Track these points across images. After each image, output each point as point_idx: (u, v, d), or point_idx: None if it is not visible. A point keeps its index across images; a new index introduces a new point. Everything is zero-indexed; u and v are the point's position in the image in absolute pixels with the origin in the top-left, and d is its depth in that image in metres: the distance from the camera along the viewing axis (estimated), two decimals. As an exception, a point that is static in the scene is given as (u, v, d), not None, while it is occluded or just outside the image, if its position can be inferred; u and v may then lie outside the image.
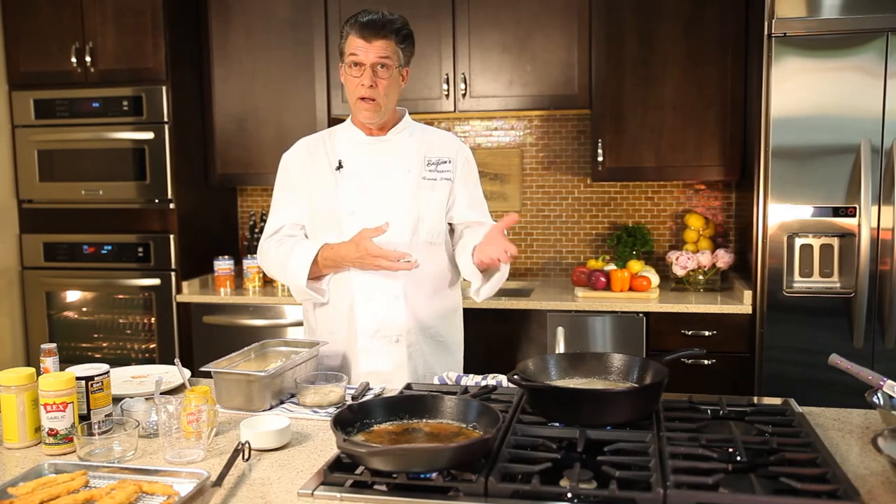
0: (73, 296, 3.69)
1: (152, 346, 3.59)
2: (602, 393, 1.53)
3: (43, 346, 1.75)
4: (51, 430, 1.48)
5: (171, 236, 3.54)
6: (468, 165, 2.16)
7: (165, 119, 3.48)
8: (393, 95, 2.02)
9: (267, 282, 3.64)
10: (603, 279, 3.27)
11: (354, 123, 2.10)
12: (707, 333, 3.05)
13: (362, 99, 1.98)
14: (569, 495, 1.18)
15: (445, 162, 2.11)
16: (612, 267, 3.34)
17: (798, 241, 2.82)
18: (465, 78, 3.44)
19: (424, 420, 1.45)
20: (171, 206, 3.52)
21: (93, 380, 1.61)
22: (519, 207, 3.80)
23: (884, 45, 2.68)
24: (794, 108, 2.76)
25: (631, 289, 3.26)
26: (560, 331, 3.12)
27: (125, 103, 3.50)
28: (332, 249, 2.00)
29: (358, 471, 1.28)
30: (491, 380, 1.83)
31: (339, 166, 2.08)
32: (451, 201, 2.12)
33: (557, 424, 1.46)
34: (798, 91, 2.75)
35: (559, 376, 1.66)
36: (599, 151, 3.35)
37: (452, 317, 2.19)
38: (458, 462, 1.24)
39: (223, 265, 3.60)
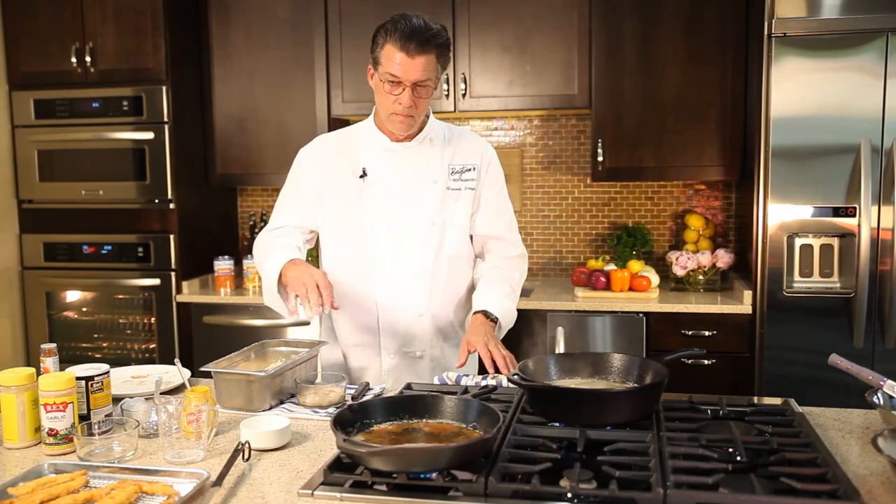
0: (73, 296, 3.69)
1: (152, 346, 3.59)
2: (602, 393, 1.53)
3: (43, 346, 1.75)
4: (51, 430, 1.48)
5: (171, 236, 3.54)
6: (492, 170, 2.08)
7: (165, 119, 3.48)
8: (426, 107, 1.95)
9: (267, 282, 3.64)
10: (603, 279, 3.27)
11: (377, 125, 2.01)
12: (707, 333, 3.05)
13: (396, 113, 1.89)
14: (569, 495, 1.18)
15: (470, 170, 2.04)
16: (612, 267, 3.34)
17: (798, 241, 2.82)
18: (465, 78, 3.44)
19: (424, 420, 1.45)
20: (171, 206, 3.52)
21: (93, 380, 1.61)
22: (519, 207, 3.80)
23: (884, 45, 2.68)
24: (794, 108, 2.76)
25: (631, 289, 3.26)
26: (560, 331, 3.12)
27: (125, 103, 3.50)
28: (295, 265, 1.87)
29: (358, 471, 1.28)
30: (491, 380, 1.83)
31: (363, 174, 2.00)
32: (474, 208, 2.07)
33: (557, 424, 1.46)
34: (798, 91, 2.75)
35: (559, 376, 1.66)
36: (599, 151, 3.34)
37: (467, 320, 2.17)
38: (458, 462, 1.24)
39: (223, 265, 3.60)
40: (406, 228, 1.99)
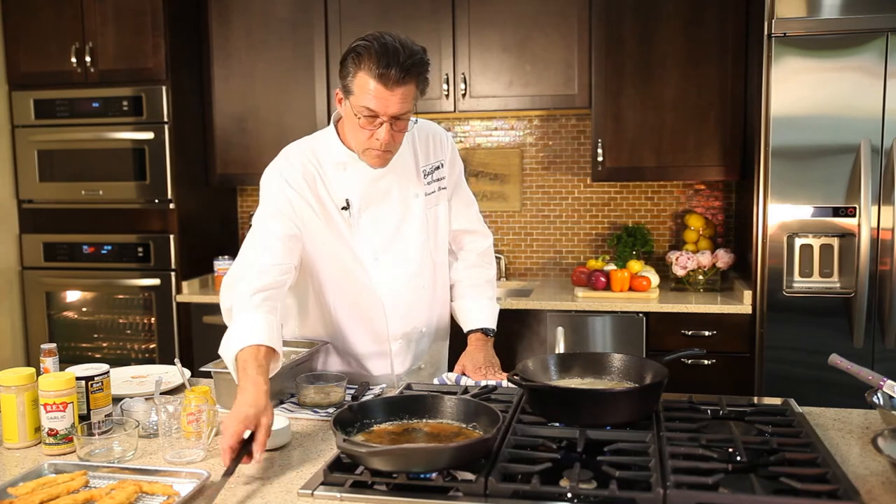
0: (73, 296, 3.69)
1: (152, 346, 3.59)
2: (602, 393, 1.53)
3: (43, 346, 1.75)
4: (51, 430, 1.48)
5: (171, 236, 3.54)
6: (455, 160, 1.99)
7: (165, 119, 3.48)
8: (403, 139, 1.77)
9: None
10: (603, 279, 3.27)
11: (343, 142, 1.81)
12: (707, 333, 3.05)
13: (373, 149, 1.71)
14: (569, 495, 1.18)
15: (439, 167, 1.94)
16: (612, 267, 3.34)
17: (798, 241, 2.82)
18: (465, 78, 3.44)
19: (424, 420, 1.45)
20: (171, 206, 3.52)
21: (93, 380, 1.61)
22: (519, 207, 3.80)
23: (884, 45, 2.68)
24: (794, 108, 2.76)
25: (631, 289, 3.26)
26: (560, 331, 3.12)
27: (125, 103, 3.50)
28: (246, 377, 1.47)
29: (358, 471, 1.28)
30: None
31: (346, 206, 1.82)
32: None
33: (557, 424, 1.46)
34: (798, 91, 2.75)
35: (559, 376, 1.66)
36: (599, 151, 3.34)
37: (449, 318, 2.15)
38: (458, 462, 1.24)
39: (223, 265, 3.60)
40: (403, 255, 1.90)
